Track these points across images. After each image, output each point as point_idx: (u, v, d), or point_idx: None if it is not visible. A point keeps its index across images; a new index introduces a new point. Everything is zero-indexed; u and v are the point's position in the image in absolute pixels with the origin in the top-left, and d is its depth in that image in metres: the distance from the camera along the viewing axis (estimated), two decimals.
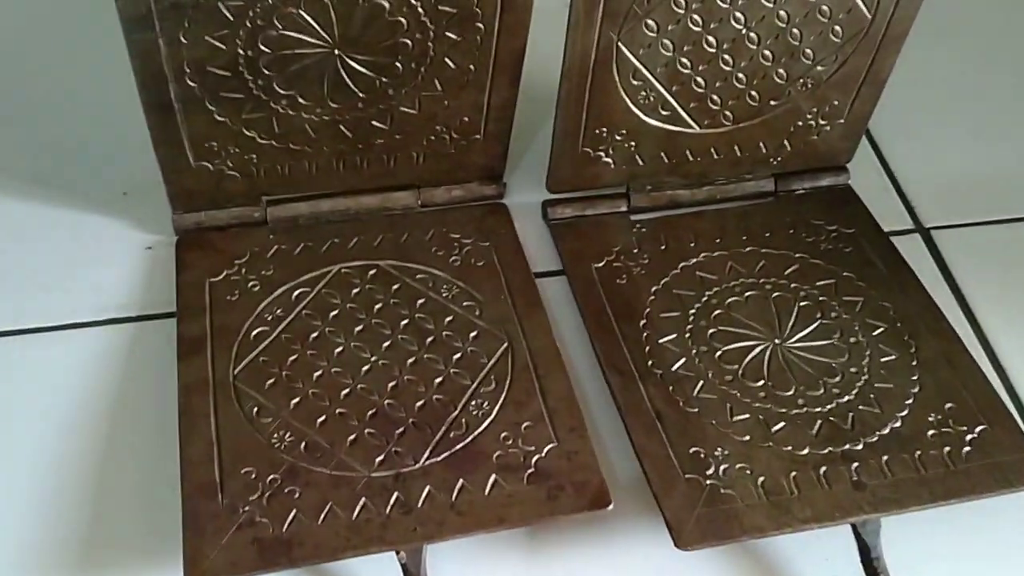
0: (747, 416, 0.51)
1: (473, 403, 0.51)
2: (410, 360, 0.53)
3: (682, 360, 0.54)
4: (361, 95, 0.55)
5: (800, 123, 0.61)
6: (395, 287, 0.57)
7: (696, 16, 0.54)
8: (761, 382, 0.53)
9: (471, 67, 0.55)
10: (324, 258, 0.58)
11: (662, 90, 0.57)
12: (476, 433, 0.50)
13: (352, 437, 0.49)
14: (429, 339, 0.54)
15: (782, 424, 0.51)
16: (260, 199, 0.59)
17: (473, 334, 0.55)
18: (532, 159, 0.65)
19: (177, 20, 0.49)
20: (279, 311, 0.55)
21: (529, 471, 0.48)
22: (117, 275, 0.58)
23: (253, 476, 0.47)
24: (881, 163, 0.69)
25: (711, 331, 0.55)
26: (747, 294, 0.58)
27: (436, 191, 0.61)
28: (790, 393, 0.53)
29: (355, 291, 0.56)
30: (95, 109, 0.66)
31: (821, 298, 0.58)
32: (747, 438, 0.50)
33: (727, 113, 0.59)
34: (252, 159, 0.56)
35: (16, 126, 0.66)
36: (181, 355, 0.52)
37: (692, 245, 0.60)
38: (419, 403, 0.51)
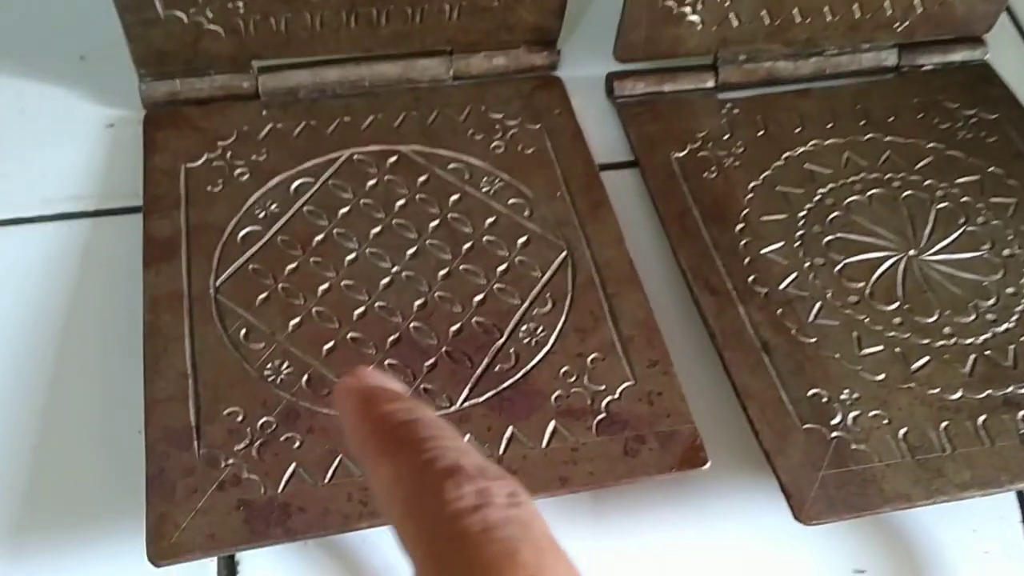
0: (880, 348, 0.40)
1: (524, 328, 0.40)
2: (442, 272, 0.41)
3: (792, 276, 0.42)
4: None
5: None
6: (422, 179, 0.44)
7: None
8: (895, 304, 0.41)
9: None
10: (331, 141, 0.45)
11: None
12: (529, 367, 0.38)
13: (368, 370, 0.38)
14: (466, 246, 0.42)
15: (925, 359, 0.39)
16: (250, 64, 0.46)
17: (522, 240, 0.43)
18: (594, 19, 0.52)
19: None
20: (274, 207, 0.43)
21: (599, 417, 0.37)
22: (70, 159, 0.45)
23: (240, 419, 0.36)
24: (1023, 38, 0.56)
25: (827, 239, 0.43)
26: (870, 192, 0.45)
27: (472, 59, 0.48)
28: (933, 319, 0.41)
29: (371, 183, 0.44)
30: None
31: (964, 199, 0.45)
32: (881, 377, 0.39)
33: None
34: (238, 9, 0.44)
35: None
36: (148, 260, 0.40)
37: (798, 131, 0.47)
38: (454, 327, 0.39)
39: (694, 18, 0.47)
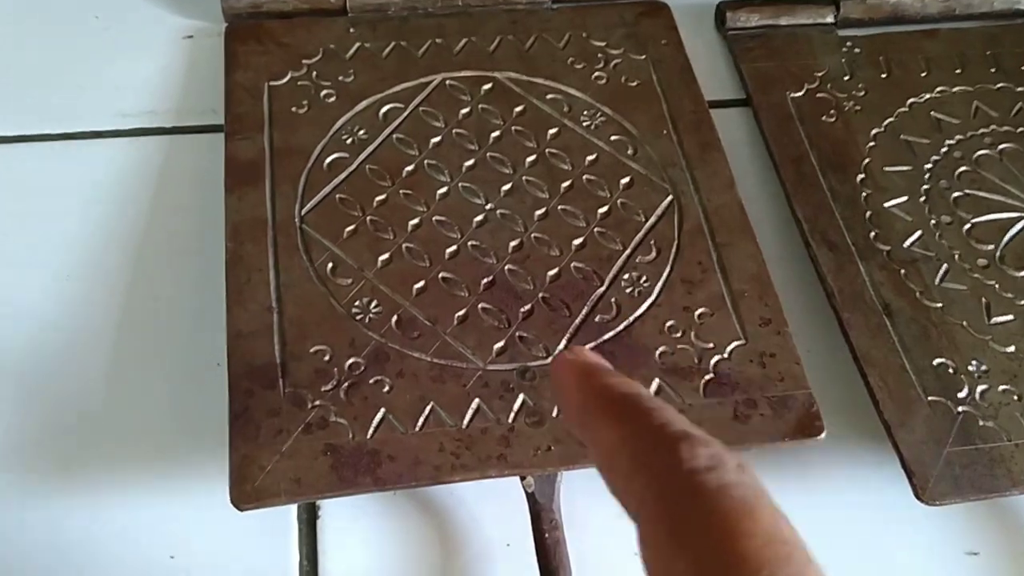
0: (1011, 318, 0.37)
1: (626, 276, 0.37)
2: (538, 212, 0.38)
3: (917, 234, 0.39)
4: None
5: None
6: (518, 109, 0.41)
7: None
8: None
9: None
10: (422, 64, 0.42)
11: None
12: (632, 319, 0.36)
13: (461, 313, 0.35)
14: (564, 184, 0.39)
15: None
16: None
17: (625, 180, 0.40)
18: None
19: None
20: (361, 132, 0.40)
21: (707, 377, 0.35)
22: (147, 71, 0.43)
23: (327, 358, 0.34)
24: None
25: (955, 195, 0.40)
26: (1002, 147, 0.42)
27: None
28: None
29: (464, 112, 0.41)
30: None
31: None
32: (1012, 349, 0.36)
33: None
34: None
35: None
36: (230, 185, 0.38)
37: (924, 75, 0.44)
38: (551, 272, 0.37)
39: None
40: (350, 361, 0.34)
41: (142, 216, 0.39)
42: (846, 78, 0.43)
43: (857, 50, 0.44)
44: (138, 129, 0.41)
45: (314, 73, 0.41)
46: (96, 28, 0.44)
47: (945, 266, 0.38)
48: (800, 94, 0.42)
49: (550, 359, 0.35)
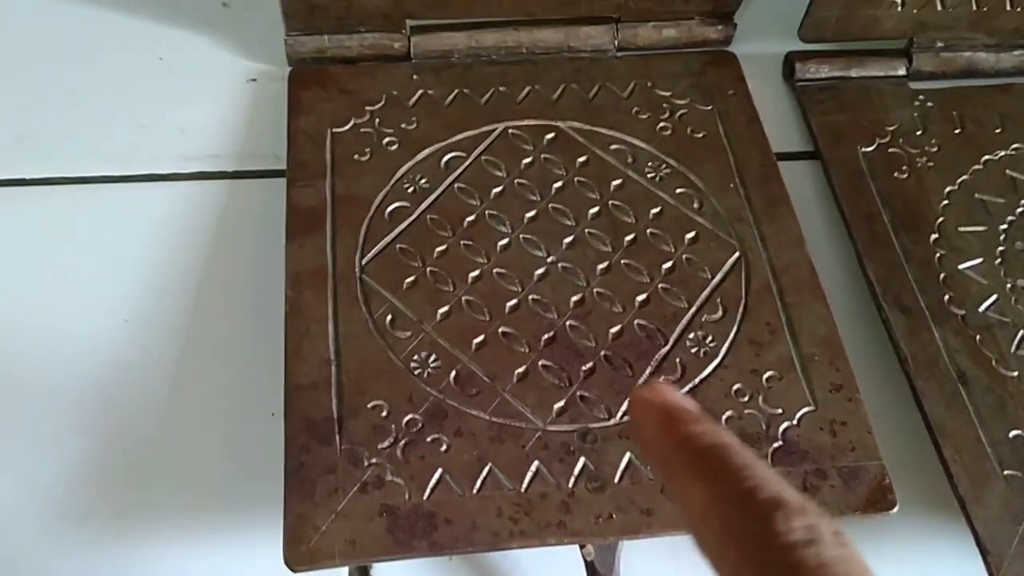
0: None
1: (692, 336, 0.36)
2: (601, 266, 0.38)
3: (993, 298, 0.37)
4: None
5: None
6: (581, 160, 0.41)
7: None
8: None
9: None
10: (485, 112, 0.42)
11: None
12: (697, 381, 0.35)
13: (521, 370, 0.35)
14: (628, 238, 0.39)
15: None
16: (403, 23, 0.43)
17: (690, 235, 0.39)
18: None
19: None
20: (423, 181, 0.40)
21: (775, 445, 0.33)
22: (210, 114, 0.43)
23: (384, 414, 0.33)
24: None
25: None
26: None
27: (640, 28, 0.44)
28: None
29: (526, 161, 0.41)
30: None
31: None
32: None
33: None
34: None
35: None
36: (291, 232, 0.38)
37: (998, 131, 0.42)
38: (614, 329, 0.36)
39: None
40: (407, 418, 0.33)
41: (202, 261, 0.39)
42: (918, 133, 0.42)
43: (930, 104, 0.43)
44: (200, 173, 0.41)
45: (377, 120, 0.41)
46: (160, 69, 0.45)
47: (1022, 332, 0.36)
48: (871, 149, 0.41)
49: (611, 421, 0.34)
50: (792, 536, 0.19)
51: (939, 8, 0.42)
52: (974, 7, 0.42)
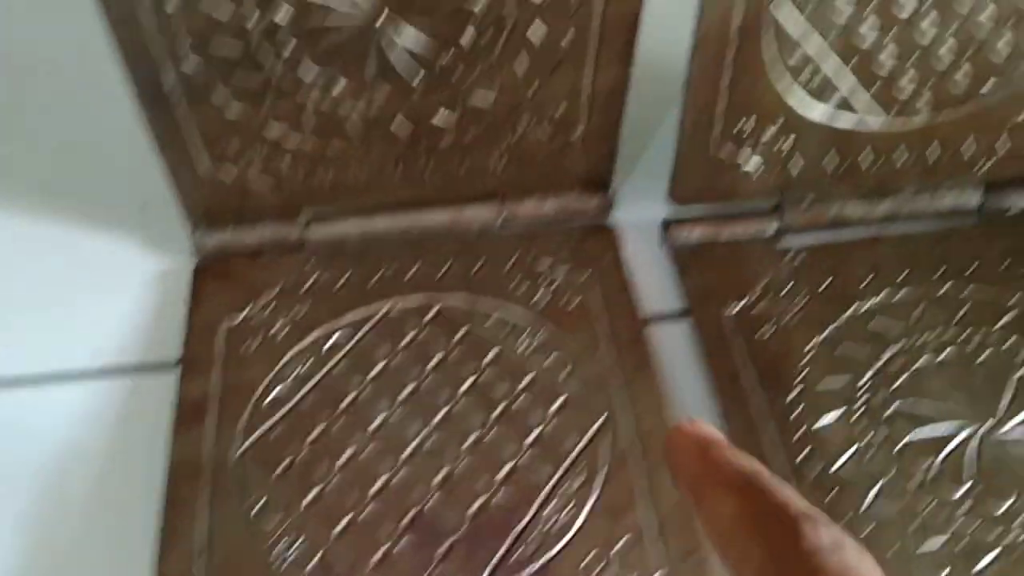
0: (944, 539, 0.35)
1: (550, 506, 0.37)
2: (469, 440, 0.39)
3: (849, 453, 0.38)
4: (418, 78, 0.41)
5: None
6: (459, 334, 0.43)
7: None
8: (963, 488, 0.37)
9: (568, 36, 0.40)
10: (373, 292, 0.45)
11: (833, 66, 0.40)
12: (549, 556, 0.36)
13: (380, 554, 0.36)
14: (499, 409, 0.40)
15: (991, 557, 0.35)
16: (298, 214, 0.46)
17: (559, 403, 0.40)
18: (649, 163, 0.50)
19: None
20: (308, 365, 0.42)
21: None
22: (123, 309, 0.46)
23: None
24: None
25: (889, 411, 0.39)
26: (942, 355, 0.41)
27: (522, 205, 0.47)
28: (1003, 510, 0.36)
29: (407, 339, 0.43)
30: (111, 103, 0.52)
31: None
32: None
33: (924, 98, 0.42)
34: (283, 163, 0.44)
35: (13, 122, 0.55)
36: (176, 424, 0.40)
37: (867, 283, 0.44)
38: (475, 504, 0.37)
39: (756, 159, 0.44)
40: None
41: (98, 462, 0.40)
42: (788, 288, 0.44)
43: (800, 258, 0.45)
44: (105, 369, 0.44)
45: (268, 309, 0.44)
46: (79, 269, 0.48)
47: (877, 487, 0.37)
48: (739, 307, 0.43)
49: None
50: (818, 541, 0.20)
51: (798, 169, 0.44)
52: (832, 166, 0.44)
